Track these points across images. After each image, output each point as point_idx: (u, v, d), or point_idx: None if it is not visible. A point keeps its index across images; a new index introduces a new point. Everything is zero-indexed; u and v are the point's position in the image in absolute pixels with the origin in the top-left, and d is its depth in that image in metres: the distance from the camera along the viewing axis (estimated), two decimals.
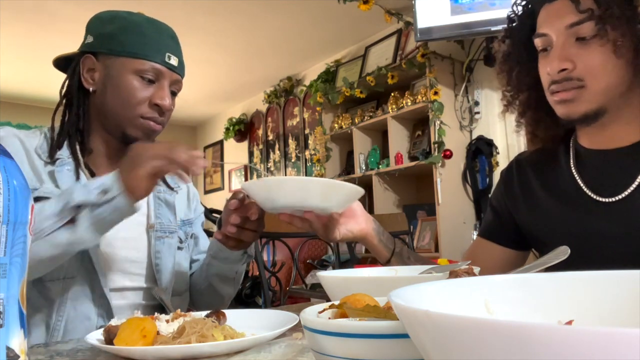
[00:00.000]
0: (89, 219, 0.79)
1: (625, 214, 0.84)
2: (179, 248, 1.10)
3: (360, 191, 0.84)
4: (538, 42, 0.86)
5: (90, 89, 1.00)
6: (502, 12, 2.63)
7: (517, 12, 0.93)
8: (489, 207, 1.07)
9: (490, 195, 1.09)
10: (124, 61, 0.97)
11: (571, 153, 0.94)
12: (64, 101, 1.02)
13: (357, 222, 0.91)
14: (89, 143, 1.02)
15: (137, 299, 1.01)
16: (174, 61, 1.01)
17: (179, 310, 0.72)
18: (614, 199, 0.85)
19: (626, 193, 0.84)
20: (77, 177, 0.96)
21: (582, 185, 0.89)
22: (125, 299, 0.99)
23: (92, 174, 1.00)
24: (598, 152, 0.90)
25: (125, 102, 0.98)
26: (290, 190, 0.78)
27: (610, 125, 0.86)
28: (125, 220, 0.84)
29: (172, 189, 1.13)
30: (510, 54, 0.94)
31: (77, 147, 0.99)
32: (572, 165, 0.92)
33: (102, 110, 1.00)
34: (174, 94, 1.05)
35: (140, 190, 0.80)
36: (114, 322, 0.66)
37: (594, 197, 0.87)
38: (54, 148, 0.97)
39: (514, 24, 0.94)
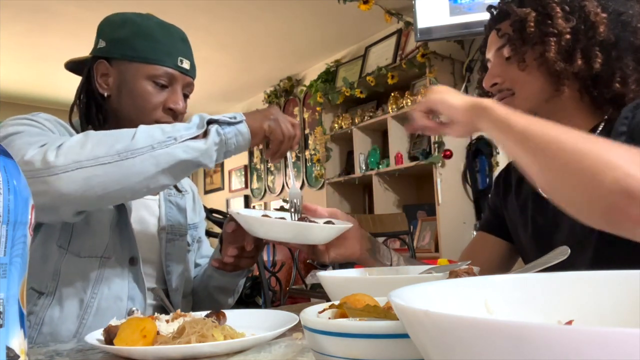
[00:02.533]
0: (217, 136, 0.83)
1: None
2: (187, 251, 1.12)
3: (344, 229, 0.87)
4: (488, 65, 1.02)
5: (105, 94, 1.01)
6: None
7: (485, 44, 1.07)
8: (487, 205, 1.16)
9: (489, 195, 1.19)
10: (137, 67, 0.99)
11: None
12: (80, 106, 1.04)
13: (348, 246, 0.93)
14: None
15: (148, 299, 1.01)
16: (186, 65, 1.03)
17: (178, 310, 0.72)
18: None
19: None
20: None
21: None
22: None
23: None
24: None
25: (140, 108, 0.99)
26: (267, 229, 0.84)
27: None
28: (138, 221, 0.92)
29: (180, 191, 1.15)
30: (484, 68, 1.07)
31: None
32: None
33: (117, 115, 1.02)
34: (186, 96, 1.06)
35: (255, 136, 0.87)
36: (113, 322, 0.66)
37: (543, 194, 0.96)
38: None
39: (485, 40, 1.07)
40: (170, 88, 1.01)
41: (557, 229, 0.92)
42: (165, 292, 1.04)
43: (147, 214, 1.07)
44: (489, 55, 1.00)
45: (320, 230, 0.83)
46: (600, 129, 0.90)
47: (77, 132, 0.99)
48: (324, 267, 3.20)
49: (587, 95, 0.89)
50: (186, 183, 1.21)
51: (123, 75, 1.00)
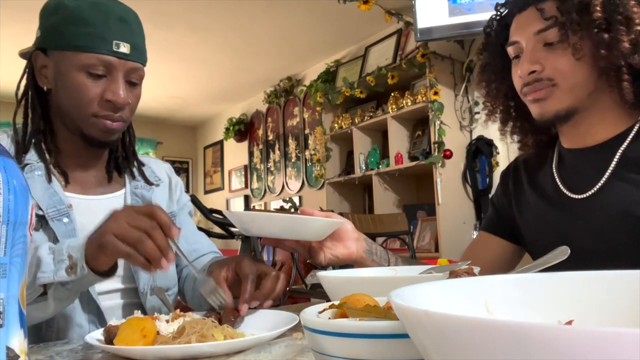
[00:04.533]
0: (56, 294, 0.76)
1: (594, 209, 0.87)
2: None
3: (336, 224, 0.85)
4: (511, 50, 0.92)
5: (45, 87, 0.94)
6: None
7: (492, 26, 0.99)
8: (490, 204, 1.12)
9: (491, 194, 1.14)
10: (69, 56, 0.89)
11: (555, 154, 0.99)
12: (23, 102, 0.97)
13: (345, 247, 0.90)
14: (56, 143, 0.97)
15: (116, 300, 0.96)
16: (124, 48, 0.91)
17: (178, 310, 0.72)
18: (584, 195, 0.89)
19: (595, 189, 0.88)
20: (49, 181, 0.92)
21: (559, 183, 0.94)
22: (110, 301, 0.95)
23: (65, 175, 0.96)
24: (574, 151, 0.94)
25: (76, 102, 0.91)
26: (260, 225, 0.82)
27: (583, 125, 0.91)
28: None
29: (151, 184, 1.08)
30: (488, 65, 1.00)
31: (44, 149, 0.95)
32: (554, 166, 0.97)
33: (59, 110, 0.95)
34: (133, 84, 0.95)
35: (105, 268, 0.75)
36: (113, 322, 0.66)
37: (568, 194, 0.92)
38: (20, 152, 0.93)
39: (490, 37, 1.00)
40: (109, 77, 0.91)
41: (587, 234, 0.86)
42: (134, 290, 0.97)
43: (107, 212, 0.98)
44: (520, 37, 0.89)
45: (314, 223, 0.82)
46: (636, 129, 0.86)
47: (20, 136, 0.94)
48: (324, 267, 3.21)
49: (630, 92, 0.83)
50: (161, 170, 1.14)
51: (58, 67, 0.91)
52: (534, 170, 1.02)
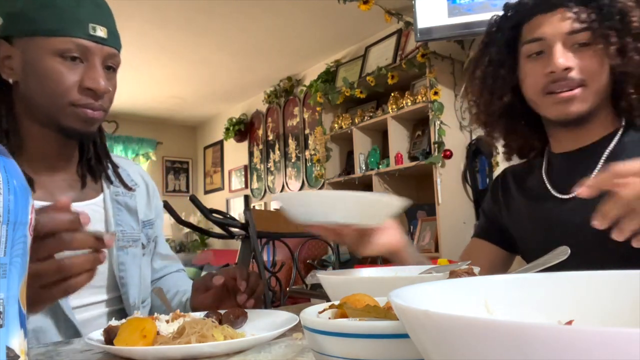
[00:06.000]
0: None
1: (582, 206, 0.87)
2: (142, 255, 0.99)
3: (404, 204, 0.78)
4: (533, 46, 0.91)
5: (10, 80, 0.86)
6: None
7: (499, 23, 0.99)
8: (481, 212, 1.15)
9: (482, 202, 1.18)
10: (40, 42, 0.82)
11: (545, 160, 1.02)
12: None
13: (391, 235, 0.87)
14: (21, 143, 0.87)
15: (101, 310, 0.91)
16: (101, 32, 0.85)
17: (178, 310, 0.72)
18: (571, 195, 0.93)
19: None
20: None
21: (548, 186, 0.97)
22: (88, 312, 0.89)
23: (30, 180, 0.84)
24: (563, 155, 0.97)
25: (51, 91, 0.83)
26: (332, 206, 0.72)
27: (583, 128, 0.93)
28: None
29: (130, 189, 1.00)
30: (491, 62, 0.99)
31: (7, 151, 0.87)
32: (543, 170, 1.00)
33: (29, 104, 0.86)
34: (111, 69, 0.89)
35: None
36: (113, 322, 0.66)
37: (557, 195, 0.95)
38: None
39: (495, 35, 1.00)
40: (87, 63, 0.84)
41: (575, 232, 0.88)
42: (119, 299, 0.92)
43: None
44: (547, 35, 0.89)
45: (390, 201, 0.73)
46: (621, 131, 0.90)
47: None
48: (324, 267, 3.20)
49: (629, 99, 0.87)
50: (136, 174, 1.06)
51: (26, 55, 0.83)
52: (523, 177, 1.05)
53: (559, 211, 0.93)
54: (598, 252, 0.82)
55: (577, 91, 0.87)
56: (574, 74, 0.86)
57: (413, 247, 0.93)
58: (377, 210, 0.75)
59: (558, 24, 0.88)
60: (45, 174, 0.90)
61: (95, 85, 0.84)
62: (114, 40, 0.88)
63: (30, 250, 0.40)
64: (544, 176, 0.99)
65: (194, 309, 0.93)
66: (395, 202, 0.76)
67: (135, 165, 1.12)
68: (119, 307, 0.93)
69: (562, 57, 0.86)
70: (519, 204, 1.02)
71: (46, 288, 0.59)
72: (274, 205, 4.82)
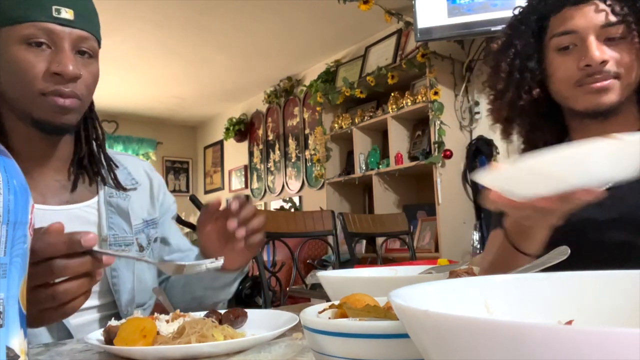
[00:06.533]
0: None
1: (614, 200, 0.86)
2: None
3: None
4: (564, 39, 0.90)
5: None
6: (502, 13, 2.63)
7: (524, 15, 0.97)
8: (493, 219, 1.07)
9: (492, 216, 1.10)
10: (6, 31, 0.79)
11: None
12: None
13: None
14: (7, 142, 0.84)
15: (95, 315, 0.89)
16: (66, 14, 0.80)
17: (178, 310, 0.72)
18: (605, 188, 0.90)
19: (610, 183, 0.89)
20: None
21: None
22: (82, 317, 0.86)
23: None
24: None
25: (19, 82, 0.79)
26: (584, 170, 0.55)
27: (611, 121, 0.90)
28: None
29: (124, 189, 0.96)
30: (517, 55, 0.96)
31: None
32: None
33: (5, 98, 0.83)
34: (85, 56, 0.84)
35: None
36: (113, 322, 0.66)
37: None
38: None
39: (521, 27, 0.97)
40: (54, 48, 0.80)
41: (606, 228, 0.84)
42: (113, 304, 0.90)
43: (77, 225, 0.85)
44: (580, 28, 0.88)
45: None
46: None
47: None
48: (324, 267, 3.20)
49: None
50: (139, 171, 1.03)
51: None
52: None
53: (590, 204, 0.91)
54: (622, 249, 0.80)
55: (610, 82, 0.86)
56: (609, 67, 0.85)
57: None
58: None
59: (591, 17, 0.87)
60: (36, 174, 0.87)
61: (61, 68, 0.79)
62: (83, 22, 0.82)
63: (27, 275, 0.39)
64: None
65: (202, 249, 0.91)
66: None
67: (141, 161, 1.08)
68: (114, 312, 0.91)
69: (598, 50, 0.85)
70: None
71: (45, 312, 0.57)
72: (274, 206, 4.82)
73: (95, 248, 0.57)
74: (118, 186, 0.95)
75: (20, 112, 0.83)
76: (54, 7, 0.79)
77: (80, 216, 0.88)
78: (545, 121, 0.97)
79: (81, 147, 0.92)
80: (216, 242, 0.90)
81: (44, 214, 0.81)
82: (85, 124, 0.92)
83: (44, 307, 0.56)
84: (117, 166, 0.98)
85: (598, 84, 0.87)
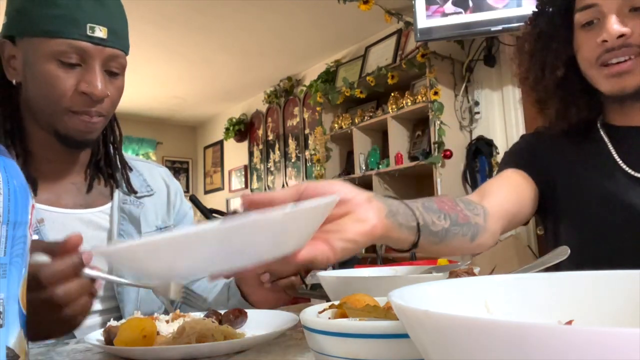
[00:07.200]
0: None
1: None
2: None
3: (327, 205, 0.45)
4: (586, 14, 0.86)
5: (14, 81, 0.83)
6: (502, 13, 2.63)
7: None
8: (518, 148, 1.03)
9: (504, 155, 1.04)
10: (38, 43, 0.78)
11: (602, 131, 0.94)
12: None
13: (358, 220, 0.51)
14: (26, 145, 0.85)
15: (98, 319, 0.87)
16: (100, 32, 0.79)
17: (178, 310, 0.72)
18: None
19: None
20: None
21: (618, 160, 0.90)
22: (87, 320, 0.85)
23: (34, 183, 0.83)
24: (631, 129, 0.91)
25: (47, 96, 0.80)
26: (171, 260, 0.40)
27: None
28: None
29: (136, 194, 0.95)
30: (542, 34, 0.94)
31: (13, 154, 0.83)
32: (607, 142, 0.93)
33: (31, 107, 0.83)
34: (113, 74, 0.84)
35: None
36: (113, 322, 0.66)
37: (631, 172, 0.88)
38: None
39: (547, 5, 0.94)
40: (84, 66, 0.80)
41: None
42: (116, 309, 0.89)
43: (88, 230, 0.86)
44: (601, 0, 0.84)
45: (284, 226, 0.41)
46: None
47: None
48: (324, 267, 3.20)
49: None
50: (156, 177, 1.02)
51: (27, 57, 0.80)
52: (579, 141, 0.95)
53: (634, 191, 0.86)
54: None
55: (630, 64, 0.82)
56: (631, 40, 0.81)
57: (398, 211, 0.58)
58: (263, 243, 0.42)
59: None
60: (52, 177, 0.87)
61: (91, 89, 0.79)
62: (115, 40, 0.82)
63: (26, 300, 0.40)
64: (610, 149, 0.91)
65: (237, 281, 0.89)
66: (317, 210, 0.44)
67: (158, 167, 1.07)
68: (117, 316, 0.89)
69: (617, 24, 0.81)
70: (581, 171, 0.93)
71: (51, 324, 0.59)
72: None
73: (87, 271, 0.59)
74: (130, 190, 0.94)
75: (45, 124, 0.83)
76: (88, 25, 0.78)
77: (92, 221, 0.88)
78: (579, 98, 0.94)
79: (99, 149, 0.93)
80: (249, 279, 0.88)
81: (60, 218, 0.82)
82: (104, 127, 0.92)
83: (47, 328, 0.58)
84: (131, 169, 0.97)
85: (616, 67, 0.84)
